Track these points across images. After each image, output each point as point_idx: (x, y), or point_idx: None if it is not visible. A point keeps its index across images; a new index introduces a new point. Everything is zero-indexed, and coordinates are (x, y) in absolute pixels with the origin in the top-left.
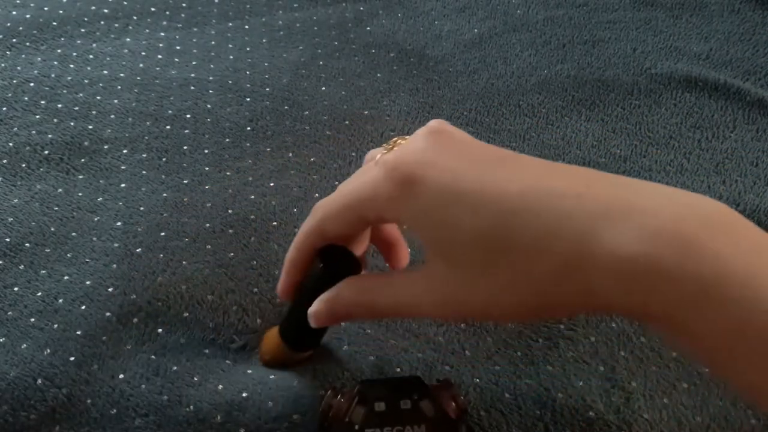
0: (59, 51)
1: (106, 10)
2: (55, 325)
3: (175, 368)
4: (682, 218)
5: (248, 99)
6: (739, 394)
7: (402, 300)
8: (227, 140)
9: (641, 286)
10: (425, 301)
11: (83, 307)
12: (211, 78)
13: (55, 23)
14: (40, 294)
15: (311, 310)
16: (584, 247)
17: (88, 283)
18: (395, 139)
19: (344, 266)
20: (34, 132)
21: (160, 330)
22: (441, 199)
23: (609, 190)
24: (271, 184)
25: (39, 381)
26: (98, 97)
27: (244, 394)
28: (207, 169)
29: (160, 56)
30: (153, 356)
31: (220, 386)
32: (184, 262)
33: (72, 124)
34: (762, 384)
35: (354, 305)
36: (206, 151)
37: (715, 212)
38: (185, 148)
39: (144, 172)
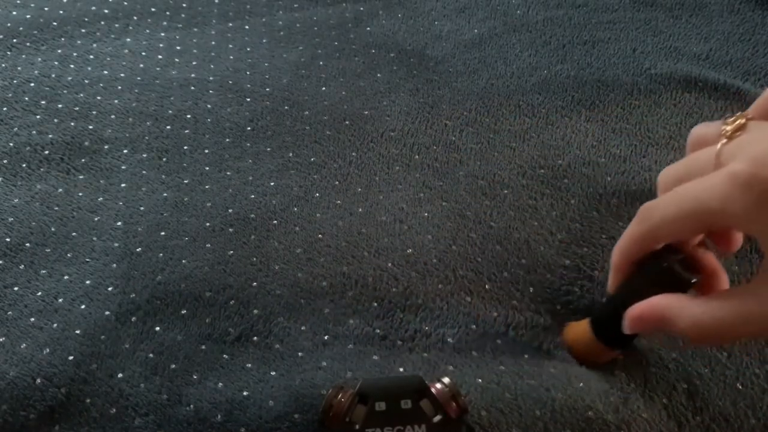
0: (59, 51)
1: (106, 11)
2: (55, 325)
3: (173, 366)
4: None
5: (248, 99)
6: None
7: (734, 328)
8: (227, 140)
9: None
10: (747, 325)
11: (83, 307)
12: (211, 78)
13: (55, 23)
14: (40, 294)
15: (632, 313)
16: None
17: (87, 282)
18: (735, 118)
19: (676, 284)
20: (34, 132)
21: (157, 328)
22: None
23: None
24: (272, 184)
25: (38, 380)
26: (99, 97)
27: (244, 393)
28: (207, 168)
29: (160, 56)
30: (151, 354)
31: (220, 384)
32: (183, 261)
33: (72, 124)
34: None
35: (677, 325)
36: (206, 150)
37: None
38: (185, 148)
39: (144, 171)
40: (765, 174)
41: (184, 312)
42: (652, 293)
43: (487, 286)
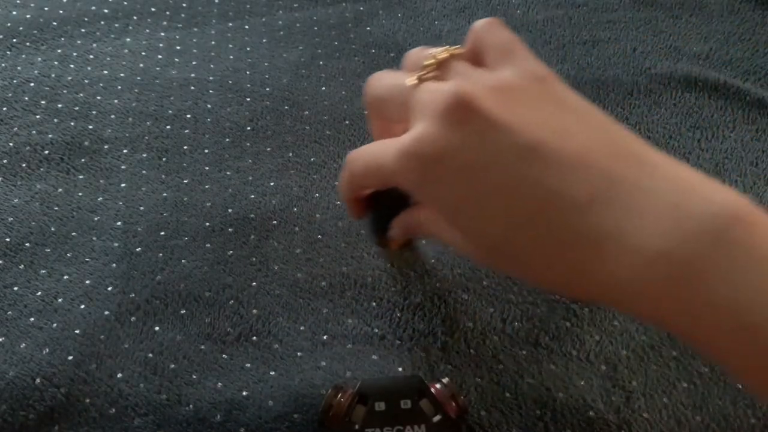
0: (59, 51)
1: (106, 10)
2: (54, 325)
3: (173, 366)
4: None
5: (248, 99)
6: (743, 388)
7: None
8: (227, 140)
9: (660, 293)
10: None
11: (82, 306)
12: (211, 78)
13: (55, 23)
14: (39, 293)
15: (396, 228)
16: (607, 235)
17: (87, 282)
18: (443, 51)
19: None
20: (34, 132)
21: (157, 328)
22: (456, 188)
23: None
24: (271, 184)
25: (38, 380)
26: (98, 97)
27: (244, 393)
28: (207, 168)
29: (160, 56)
30: (150, 354)
31: (220, 384)
32: (183, 261)
33: (72, 124)
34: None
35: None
36: (206, 150)
37: (738, 216)
38: (185, 147)
39: (144, 171)
40: (425, 150)
41: (183, 312)
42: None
43: (484, 283)
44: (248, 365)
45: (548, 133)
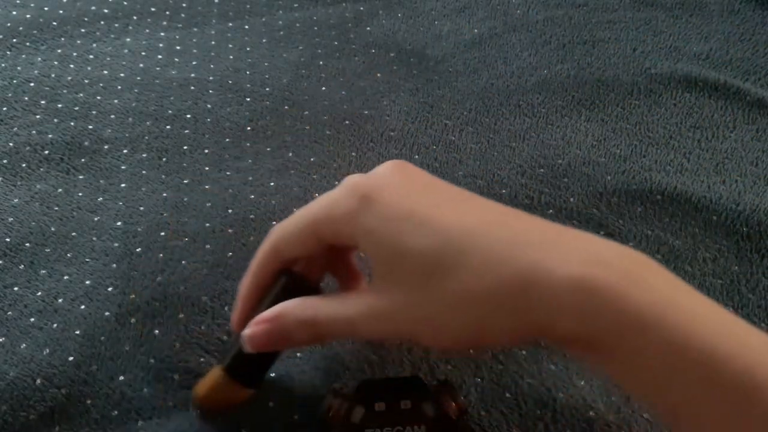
0: (59, 51)
1: (106, 10)
2: (55, 325)
3: (176, 377)
4: (620, 254)
5: (248, 99)
6: (658, 417)
7: (340, 315)
8: (227, 140)
9: (583, 307)
10: (360, 317)
11: (83, 307)
12: (211, 78)
13: (55, 23)
14: (40, 294)
15: (248, 331)
16: (531, 272)
17: (87, 282)
18: None
19: (302, 290)
20: (34, 132)
21: (156, 331)
22: (393, 215)
23: (555, 231)
24: (271, 184)
25: (38, 381)
26: (98, 97)
27: None
28: (207, 168)
29: (160, 56)
30: (152, 360)
31: None
32: (183, 262)
33: (72, 124)
34: (680, 410)
35: (295, 323)
36: (206, 150)
37: (639, 257)
38: (185, 148)
39: (144, 171)
40: (368, 181)
41: (181, 316)
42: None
43: None
44: None
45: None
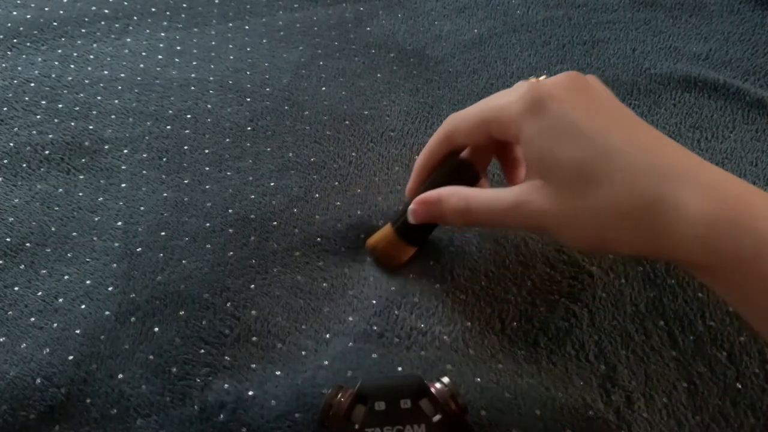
0: (60, 51)
1: (106, 11)
2: (55, 324)
3: (174, 370)
4: (746, 190)
5: (248, 99)
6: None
7: (492, 208)
8: (227, 140)
9: (708, 240)
10: (509, 213)
11: (83, 306)
12: (211, 78)
13: (55, 23)
14: (40, 293)
15: (412, 206)
16: (667, 202)
17: (88, 282)
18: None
19: (466, 175)
20: (34, 132)
21: (156, 329)
22: (555, 126)
23: (697, 163)
24: (272, 184)
25: (38, 380)
26: (99, 97)
27: (250, 393)
28: (207, 168)
29: (160, 56)
30: (151, 356)
31: (226, 385)
32: (183, 261)
33: (73, 124)
34: None
35: (450, 209)
36: (206, 151)
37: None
38: (185, 148)
39: (144, 171)
40: (541, 88)
41: (182, 313)
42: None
43: (483, 283)
44: (254, 366)
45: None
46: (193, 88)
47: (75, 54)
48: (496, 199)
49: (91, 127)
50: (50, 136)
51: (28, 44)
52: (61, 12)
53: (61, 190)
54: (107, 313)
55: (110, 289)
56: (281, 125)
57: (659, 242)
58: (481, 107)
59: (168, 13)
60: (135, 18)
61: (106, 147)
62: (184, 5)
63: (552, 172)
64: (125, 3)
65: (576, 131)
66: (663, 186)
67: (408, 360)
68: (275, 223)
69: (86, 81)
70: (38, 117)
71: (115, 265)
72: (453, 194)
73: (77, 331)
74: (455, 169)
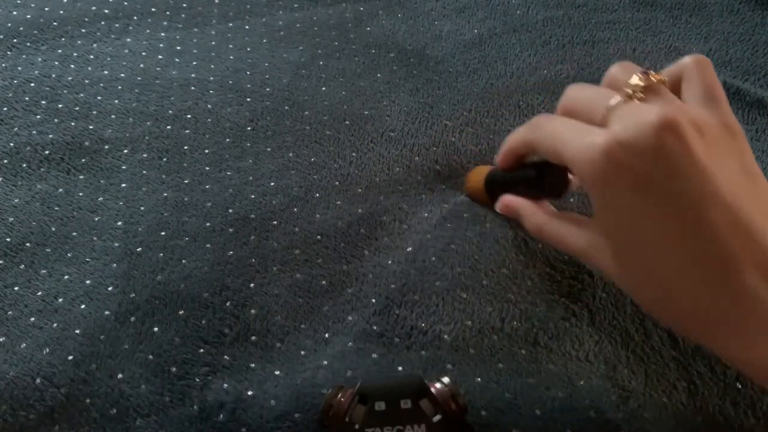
0: (60, 51)
1: (106, 11)
2: (55, 324)
3: (173, 369)
4: None
5: (248, 99)
6: None
7: (562, 238)
8: (228, 140)
9: None
10: (578, 248)
11: (83, 306)
12: (211, 78)
13: (55, 23)
14: (40, 293)
15: (498, 205)
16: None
17: (88, 282)
18: (647, 77)
19: (548, 186)
20: (34, 132)
21: (156, 329)
22: (633, 202)
23: None
24: (272, 184)
25: (38, 380)
26: (99, 97)
27: (249, 392)
28: (207, 168)
29: (160, 56)
30: (150, 356)
31: (225, 385)
32: (183, 261)
33: (73, 124)
34: None
35: (527, 223)
36: (207, 150)
37: None
38: (186, 148)
39: (144, 171)
40: (619, 157)
41: (181, 313)
42: (526, 184)
43: (484, 282)
44: (253, 365)
45: (731, 189)
46: (193, 88)
47: (75, 54)
48: (566, 237)
49: (91, 127)
50: (50, 136)
51: (28, 44)
52: (61, 12)
53: (61, 190)
54: (107, 312)
55: (110, 288)
56: (281, 125)
57: (726, 345)
58: (561, 138)
59: (168, 13)
60: (135, 18)
61: (106, 147)
62: (184, 5)
63: (625, 230)
64: (125, 3)
65: (654, 192)
66: (736, 281)
67: (408, 360)
68: (275, 222)
69: (86, 81)
70: (38, 117)
71: (115, 264)
72: (530, 215)
73: (77, 331)
74: (540, 176)
